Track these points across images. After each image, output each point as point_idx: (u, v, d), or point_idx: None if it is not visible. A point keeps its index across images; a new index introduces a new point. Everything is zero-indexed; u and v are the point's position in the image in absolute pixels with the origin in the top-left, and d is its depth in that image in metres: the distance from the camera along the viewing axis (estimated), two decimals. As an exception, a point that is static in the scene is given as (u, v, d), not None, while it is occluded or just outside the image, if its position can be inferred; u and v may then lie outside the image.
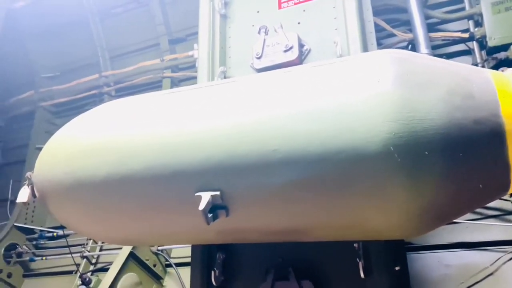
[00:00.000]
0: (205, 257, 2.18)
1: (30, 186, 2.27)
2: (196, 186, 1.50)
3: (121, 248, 4.14)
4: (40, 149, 5.49)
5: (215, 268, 2.09)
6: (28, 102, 5.75)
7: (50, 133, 5.49)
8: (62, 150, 1.89)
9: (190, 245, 3.41)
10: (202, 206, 1.45)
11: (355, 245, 1.94)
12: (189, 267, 3.58)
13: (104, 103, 5.19)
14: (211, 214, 1.47)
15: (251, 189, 1.47)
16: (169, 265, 3.76)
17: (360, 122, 1.30)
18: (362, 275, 1.89)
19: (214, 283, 2.07)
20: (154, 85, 4.97)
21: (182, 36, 5.03)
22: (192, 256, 2.19)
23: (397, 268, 1.96)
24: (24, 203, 2.41)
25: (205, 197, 1.47)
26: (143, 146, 1.59)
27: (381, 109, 1.29)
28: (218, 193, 1.47)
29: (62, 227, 4.88)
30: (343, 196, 1.38)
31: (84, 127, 1.92)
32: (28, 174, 2.30)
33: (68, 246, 4.24)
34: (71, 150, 1.83)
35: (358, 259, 1.91)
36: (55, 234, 4.72)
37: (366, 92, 1.34)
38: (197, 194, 1.49)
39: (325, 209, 1.44)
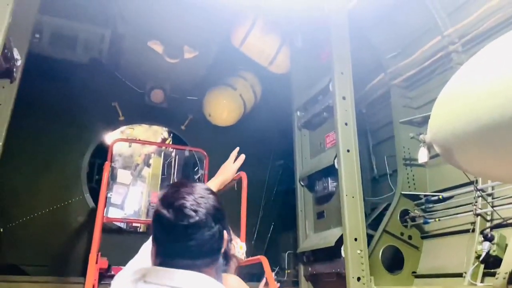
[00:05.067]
0: None
1: (426, 146, 2.51)
2: None
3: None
4: (404, 123, 5.86)
5: None
6: (381, 85, 6.33)
7: (407, 107, 5.85)
8: (457, 102, 1.98)
9: None
10: None
11: None
12: None
13: (452, 62, 5.00)
14: None
15: None
16: None
17: None
18: None
19: None
20: (506, 24, 4.43)
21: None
22: None
23: None
24: (425, 162, 2.68)
25: None
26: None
27: None
28: None
29: (444, 190, 5.05)
30: None
31: (470, 74, 1.95)
32: (421, 136, 2.55)
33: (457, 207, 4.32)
34: (468, 100, 1.89)
35: None
36: (440, 197, 4.94)
37: None
38: None
39: None
